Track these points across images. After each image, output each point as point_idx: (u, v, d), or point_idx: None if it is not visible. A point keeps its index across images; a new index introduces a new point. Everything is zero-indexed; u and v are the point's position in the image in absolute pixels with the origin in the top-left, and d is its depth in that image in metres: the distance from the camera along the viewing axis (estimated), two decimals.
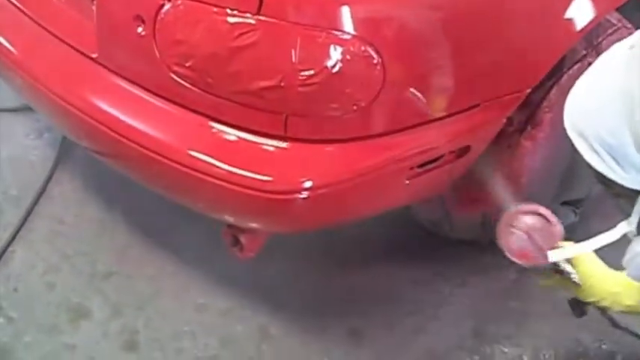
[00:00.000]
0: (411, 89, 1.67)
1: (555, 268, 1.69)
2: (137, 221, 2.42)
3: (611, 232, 1.57)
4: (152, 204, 2.32)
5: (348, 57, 1.56)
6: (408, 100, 1.68)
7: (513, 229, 1.68)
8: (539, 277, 1.78)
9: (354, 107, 1.62)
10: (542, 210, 1.68)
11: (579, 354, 2.13)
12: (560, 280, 1.72)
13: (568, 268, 1.69)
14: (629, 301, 1.68)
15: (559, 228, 1.67)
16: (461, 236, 2.22)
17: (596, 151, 1.35)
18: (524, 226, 1.67)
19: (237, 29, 1.57)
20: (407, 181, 1.79)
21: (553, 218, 1.67)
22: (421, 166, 1.79)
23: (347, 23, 1.55)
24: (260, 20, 1.55)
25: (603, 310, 1.81)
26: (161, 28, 1.67)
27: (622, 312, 1.74)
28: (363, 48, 1.56)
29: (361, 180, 1.71)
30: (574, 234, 2.33)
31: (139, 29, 1.71)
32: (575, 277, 1.69)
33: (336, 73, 1.56)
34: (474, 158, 1.89)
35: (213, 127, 1.72)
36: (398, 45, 1.62)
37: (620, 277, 1.67)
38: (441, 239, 2.28)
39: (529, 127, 1.95)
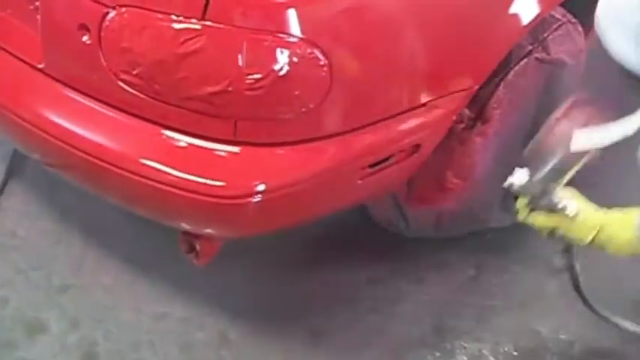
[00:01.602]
0: (359, 90, 1.68)
1: (551, 206, 1.69)
2: (92, 231, 2.39)
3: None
4: (107, 213, 2.31)
5: (294, 60, 1.56)
6: (357, 101, 1.69)
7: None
8: (535, 220, 1.75)
9: (303, 109, 1.62)
10: None
11: (538, 345, 2.16)
12: (555, 218, 1.70)
13: (564, 202, 1.68)
14: (623, 232, 1.67)
15: None
16: (417, 233, 2.24)
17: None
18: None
19: (182, 35, 1.56)
20: (359, 181, 1.79)
21: None
22: (373, 165, 1.79)
23: (293, 26, 1.55)
24: (205, 25, 1.55)
25: (577, 286, 1.92)
26: (106, 37, 1.66)
27: (617, 251, 1.71)
28: (309, 50, 1.56)
29: (314, 181, 1.72)
30: (529, 226, 2.38)
31: (85, 38, 1.69)
32: (570, 209, 1.68)
33: (284, 76, 1.56)
34: (426, 156, 1.91)
35: (163, 135, 1.71)
36: (344, 46, 1.63)
37: (613, 212, 1.69)
38: (397, 237, 2.29)
39: (479, 124, 1.97)
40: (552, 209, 1.69)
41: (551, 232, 1.75)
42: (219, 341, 2.11)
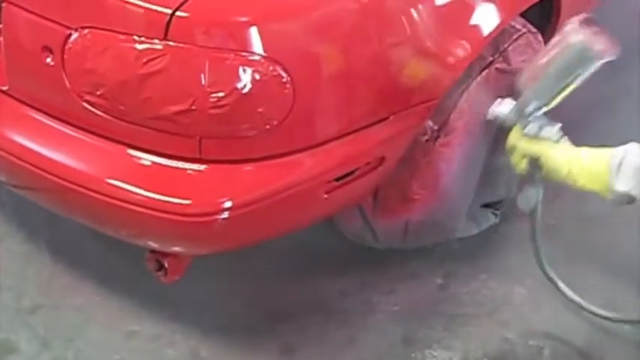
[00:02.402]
0: (322, 105, 1.70)
1: (538, 131, 1.87)
2: (62, 251, 2.39)
3: None
4: (76, 233, 2.30)
5: (257, 77, 1.57)
6: (320, 117, 1.71)
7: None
8: (522, 144, 1.91)
9: (267, 126, 1.63)
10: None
11: (508, 352, 2.17)
12: (540, 145, 1.87)
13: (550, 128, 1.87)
14: (596, 166, 1.80)
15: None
16: (385, 245, 2.25)
17: None
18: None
19: (145, 55, 1.57)
20: (325, 195, 1.81)
21: None
22: (338, 179, 1.81)
23: (254, 44, 1.57)
24: (167, 45, 1.56)
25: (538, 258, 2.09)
26: (70, 58, 1.66)
27: (587, 185, 1.84)
28: (271, 68, 1.58)
29: (280, 197, 1.73)
30: (495, 234, 2.41)
31: (48, 60, 1.70)
32: (555, 134, 1.87)
33: (246, 94, 1.58)
34: (391, 168, 1.93)
35: (129, 154, 1.73)
36: (306, 63, 1.65)
37: (589, 149, 1.83)
38: (366, 248, 2.31)
39: (442, 135, 1.99)
40: (538, 135, 1.86)
41: (533, 162, 1.88)
42: (191, 358, 2.10)
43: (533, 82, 1.88)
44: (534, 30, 2.18)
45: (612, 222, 2.49)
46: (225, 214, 1.69)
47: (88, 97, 1.68)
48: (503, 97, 2.07)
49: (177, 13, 1.55)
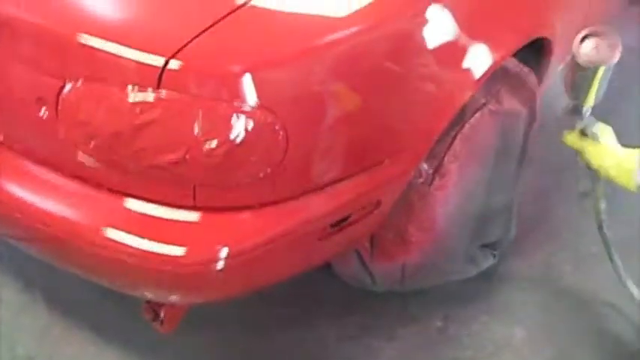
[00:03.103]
0: (316, 152, 1.70)
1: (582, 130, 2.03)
2: (57, 300, 2.37)
3: None
4: (71, 283, 2.27)
5: (250, 126, 1.57)
6: (314, 163, 1.71)
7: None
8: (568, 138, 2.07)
9: (261, 174, 1.63)
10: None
11: None
12: (584, 142, 2.03)
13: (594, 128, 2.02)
14: (627, 165, 1.96)
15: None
16: (384, 288, 2.24)
17: None
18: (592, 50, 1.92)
19: (138, 106, 1.57)
20: (321, 241, 1.80)
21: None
22: (334, 224, 1.80)
23: (246, 93, 1.57)
24: (161, 96, 1.56)
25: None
26: (64, 110, 1.66)
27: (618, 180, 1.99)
28: (264, 116, 1.58)
29: (275, 244, 1.72)
30: (494, 275, 2.40)
31: (42, 111, 1.69)
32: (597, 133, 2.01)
33: (240, 142, 1.58)
34: (386, 212, 1.92)
35: (124, 204, 1.72)
36: (299, 111, 1.64)
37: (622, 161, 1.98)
38: (364, 292, 2.29)
39: (437, 178, 1.99)
40: (584, 132, 2.02)
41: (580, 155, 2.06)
42: None
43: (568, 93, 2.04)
44: (526, 70, 2.19)
45: None
46: (221, 263, 1.68)
47: (82, 148, 1.67)
48: (497, 139, 2.07)
49: (170, 64, 1.55)
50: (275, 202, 1.71)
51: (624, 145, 2.03)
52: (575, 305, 2.38)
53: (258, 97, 1.57)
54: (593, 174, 2.10)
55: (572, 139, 2.06)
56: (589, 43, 1.92)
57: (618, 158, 1.99)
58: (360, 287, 2.27)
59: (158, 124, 1.57)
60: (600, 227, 2.23)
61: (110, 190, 1.72)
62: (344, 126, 1.72)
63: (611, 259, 2.26)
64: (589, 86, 1.96)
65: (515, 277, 2.43)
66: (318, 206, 1.75)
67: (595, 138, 2.01)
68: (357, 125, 1.74)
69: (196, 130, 1.56)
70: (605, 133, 2.03)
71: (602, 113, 2.78)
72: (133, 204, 1.71)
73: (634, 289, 2.27)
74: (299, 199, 1.72)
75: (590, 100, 2.00)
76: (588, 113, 2.03)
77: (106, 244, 1.69)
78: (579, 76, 1.96)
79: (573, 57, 1.95)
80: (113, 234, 1.69)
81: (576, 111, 2.03)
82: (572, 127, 2.06)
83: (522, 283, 2.42)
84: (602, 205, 2.19)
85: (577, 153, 2.08)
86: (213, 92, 1.57)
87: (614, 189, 2.08)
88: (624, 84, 3.28)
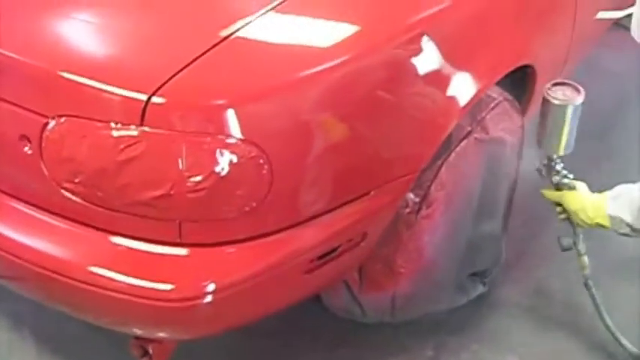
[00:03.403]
0: (301, 185, 1.70)
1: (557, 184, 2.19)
2: (46, 338, 2.35)
3: None
4: (59, 320, 2.25)
5: (234, 160, 1.57)
6: (300, 196, 1.71)
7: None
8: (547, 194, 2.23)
9: (247, 208, 1.63)
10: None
11: None
12: (560, 192, 2.19)
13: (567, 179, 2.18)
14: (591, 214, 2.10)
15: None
16: (373, 319, 2.23)
17: None
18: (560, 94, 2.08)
19: (121, 142, 1.57)
20: (308, 274, 1.80)
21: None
22: (320, 257, 1.80)
23: (230, 127, 1.57)
24: (144, 132, 1.56)
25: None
26: (47, 146, 1.66)
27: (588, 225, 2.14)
28: (248, 150, 1.58)
29: (263, 278, 1.72)
30: (484, 303, 2.39)
31: (26, 148, 1.69)
32: (571, 182, 2.17)
33: (224, 177, 1.57)
34: (373, 243, 1.92)
35: (109, 241, 1.71)
36: (283, 145, 1.65)
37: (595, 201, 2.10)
38: (354, 323, 2.28)
39: (424, 207, 1.99)
40: (560, 185, 2.18)
41: (559, 208, 2.22)
42: None
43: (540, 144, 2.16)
44: (511, 98, 2.19)
45: None
46: (209, 298, 1.67)
47: (66, 185, 1.67)
48: (483, 167, 2.08)
49: (153, 99, 1.55)
50: (261, 236, 1.70)
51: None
52: (567, 331, 2.37)
53: (242, 131, 1.58)
54: (574, 229, 2.22)
55: (550, 193, 2.22)
56: (557, 89, 2.10)
57: (592, 198, 2.12)
58: (350, 319, 2.25)
59: (142, 160, 1.57)
60: (586, 284, 2.28)
61: (96, 228, 1.72)
62: (330, 158, 1.73)
63: (601, 317, 2.27)
64: (560, 130, 2.09)
65: (506, 304, 2.42)
66: (305, 239, 1.75)
67: (571, 186, 2.17)
68: (343, 157, 1.75)
69: (180, 165, 1.56)
70: (578, 184, 2.17)
71: (590, 137, 2.81)
72: (119, 241, 1.71)
73: (627, 345, 2.25)
74: (285, 232, 1.72)
75: (561, 149, 2.13)
76: (561, 165, 2.18)
77: (93, 281, 1.68)
78: (550, 121, 2.09)
79: (544, 101, 2.09)
80: (100, 271, 1.68)
81: (550, 167, 2.18)
82: (549, 184, 2.21)
83: (512, 309, 2.41)
84: (586, 260, 2.26)
85: (556, 208, 2.22)
86: (196, 127, 1.58)
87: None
88: (609, 106, 3.33)
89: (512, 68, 2.15)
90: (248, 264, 1.70)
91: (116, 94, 1.58)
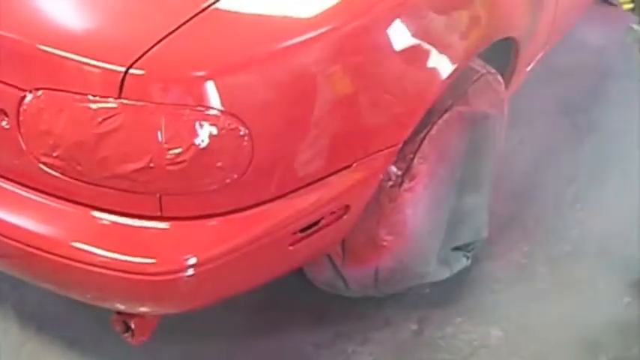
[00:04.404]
0: (283, 157, 1.69)
1: None
2: (30, 317, 2.33)
3: None
4: (43, 298, 2.26)
5: (214, 132, 1.56)
6: (280, 168, 1.70)
7: None
8: None
9: (227, 180, 1.62)
10: None
11: None
12: None
13: None
14: None
15: None
16: (357, 293, 2.23)
17: None
18: None
19: (100, 115, 1.56)
20: (291, 247, 1.79)
21: None
22: (303, 230, 1.79)
23: (210, 99, 1.56)
24: (122, 104, 1.55)
25: None
26: (25, 120, 1.64)
27: None
28: (228, 122, 1.57)
29: (245, 251, 1.71)
30: (468, 277, 2.39)
31: (3, 123, 1.67)
32: None
33: (204, 149, 1.56)
34: (356, 216, 1.91)
35: (91, 215, 1.70)
36: (264, 116, 1.63)
37: None
38: (338, 297, 2.28)
39: (407, 180, 1.98)
40: None
41: None
42: None
43: None
44: (493, 71, 2.19)
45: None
46: (191, 271, 1.66)
47: (44, 159, 1.65)
48: (466, 140, 2.07)
49: (131, 71, 1.54)
50: (243, 209, 1.69)
51: None
52: (551, 306, 2.38)
53: (222, 102, 1.56)
54: None
55: None
56: None
57: None
58: (334, 293, 2.25)
59: (120, 133, 1.56)
60: None
61: (77, 203, 1.70)
62: (311, 129, 1.71)
63: None
64: None
65: (489, 278, 2.43)
66: (287, 212, 1.74)
67: None
68: (324, 129, 1.73)
69: (160, 137, 1.55)
70: None
71: (572, 110, 2.82)
72: (100, 215, 1.69)
73: None
74: (267, 205, 1.71)
75: None
76: None
77: (74, 256, 1.67)
78: None
79: None
80: (81, 246, 1.67)
81: None
82: None
83: (496, 284, 2.42)
84: None
85: None
86: (175, 99, 1.56)
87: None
88: (592, 80, 3.33)
89: (494, 41, 2.14)
90: (229, 237, 1.69)
91: (94, 67, 1.56)
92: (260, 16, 1.73)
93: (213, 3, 1.67)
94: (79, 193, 1.69)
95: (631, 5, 2.13)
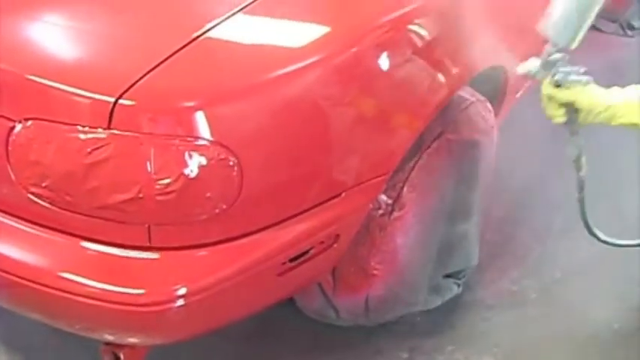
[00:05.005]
0: (272, 187, 1.68)
1: (567, 79, 1.91)
2: (17, 346, 2.32)
3: None
4: (33, 327, 2.23)
5: (203, 162, 1.56)
6: (270, 199, 1.69)
7: None
8: (556, 93, 1.93)
9: (217, 211, 1.61)
10: None
11: None
12: (572, 90, 1.91)
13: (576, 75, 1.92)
14: (630, 116, 1.92)
15: None
16: (348, 322, 2.22)
17: None
18: None
19: (89, 145, 1.55)
20: (281, 276, 1.78)
21: None
22: (293, 259, 1.78)
23: (200, 129, 1.56)
24: (112, 134, 1.55)
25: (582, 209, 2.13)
26: (14, 150, 1.64)
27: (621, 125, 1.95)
28: (217, 152, 1.57)
29: (235, 281, 1.70)
30: (459, 304, 2.39)
31: None
32: (583, 78, 1.92)
33: (194, 179, 1.56)
34: (346, 245, 1.91)
35: (80, 246, 1.69)
36: (253, 146, 1.63)
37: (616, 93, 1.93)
38: (329, 326, 2.26)
39: (397, 209, 1.98)
40: (567, 81, 1.90)
41: (569, 109, 1.94)
42: None
43: (550, 29, 1.91)
44: (482, 98, 2.20)
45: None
46: (181, 302, 1.65)
47: (33, 189, 1.64)
48: (456, 168, 2.08)
49: (120, 101, 1.54)
50: (232, 239, 1.69)
51: None
52: (542, 333, 2.37)
53: (211, 132, 1.56)
54: (574, 134, 2.03)
55: (557, 91, 1.93)
56: None
57: (619, 95, 1.93)
58: (325, 322, 2.24)
59: (109, 163, 1.55)
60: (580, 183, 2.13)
61: (66, 233, 1.70)
62: (301, 159, 1.72)
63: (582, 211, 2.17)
64: (582, 21, 1.87)
65: (480, 305, 2.42)
66: (277, 241, 1.73)
67: (584, 82, 1.92)
68: (314, 158, 1.74)
69: (149, 168, 1.55)
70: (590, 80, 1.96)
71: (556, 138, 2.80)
72: (90, 246, 1.68)
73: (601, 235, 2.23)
74: (257, 235, 1.71)
75: (576, 40, 1.89)
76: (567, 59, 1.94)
77: (64, 287, 1.66)
78: (572, 9, 1.86)
79: None
80: (71, 277, 1.66)
81: (551, 62, 1.91)
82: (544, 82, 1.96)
83: (487, 311, 2.41)
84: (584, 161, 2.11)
85: (554, 111, 1.96)
86: (164, 129, 1.56)
87: None
88: None
89: (483, 69, 2.15)
90: (219, 267, 1.69)
91: (83, 97, 1.56)
92: (250, 46, 1.74)
93: (204, 33, 1.68)
94: (68, 224, 1.68)
95: (564, 119, 1.97)
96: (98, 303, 1.64)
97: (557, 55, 1.90)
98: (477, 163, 2.19)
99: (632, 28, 2.71)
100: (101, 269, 1.67)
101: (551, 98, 1.93)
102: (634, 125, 1.92)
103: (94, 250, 1.68)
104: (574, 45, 1.90)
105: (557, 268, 2.59)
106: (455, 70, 2.04)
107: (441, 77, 1.98)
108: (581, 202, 2.13)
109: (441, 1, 2.00)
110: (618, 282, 2.52)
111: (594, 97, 1.92)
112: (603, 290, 2.49)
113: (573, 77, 1.91)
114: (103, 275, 1.66)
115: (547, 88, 1.93)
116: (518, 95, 2.72)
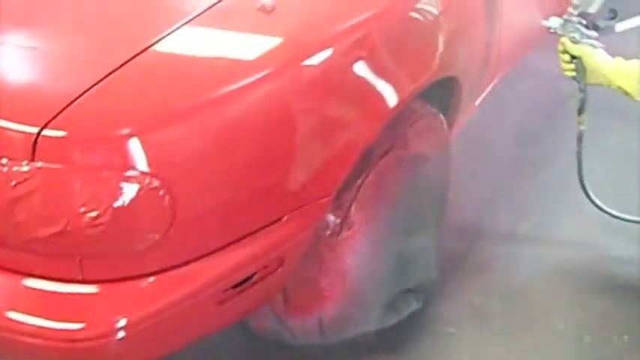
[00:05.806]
0: (207, 215, 1.64)
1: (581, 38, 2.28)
2: None
3: None
4: None
5: (132, 193, 1.51)
6: (205, 226, 1.65)
7: None
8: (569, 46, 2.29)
9: (149, 241, 1.57)
10: None
11: None
12: (583, 48, 2.26)
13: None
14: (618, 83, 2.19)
15: None
16: (304, 342, 2.16)
17: None
18: None
19: (13, 178, 1.50)
20: (223, 304, 1.73)
21: None
22: (236, 286, 1.74)
23: (130, 159, 1.51)
24: (36, 167, 1.50)
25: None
26: None
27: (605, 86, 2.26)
28: (147, 181, 1.52)
29: (175, 311, 1.66)
30: (419, 319, 2.34)
31: None
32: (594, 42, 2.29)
33: (122, 210, 1.51)
34: (292, 268, 1.86)
35: (16, 282, 1.65)
36: (186, 174, 1.59)
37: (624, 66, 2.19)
38: (285, 347, 2.21)
39: (345, 228, 1.93)
40: (581, 41, 2.26)
41: (577, 63, 2.29)
42: None
43: None
44: (434, 111, 2.15)
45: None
46: (121, 334, 1.61)
47: None
48: (406, 184, 2.03)
49: (44, 132, 1.49)
50: (170, 268, 1.64)
51: None
52: (506, 347, 2.33)
53: (138, 162, 1.52)
54: (581, 86, 2.34)
55: (571, 45, 2.27)
56: None
57: (620, 62, 2.20)
58: (280, 342, 2.19)
59: (35, 197, 1.51)
60: (579, 138, 2.46)
61: (10, 270, 1.65)
62: (238, 184, 1.67)
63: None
64: None
65: (441, 320, 2.38)
66: (217, 269, 1.69)
67: (595, 45, 2.26)
68: (252, 182, 1.69)
69: (75, 200, 1.50)
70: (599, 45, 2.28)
71: (528, 141, 2.79)
72: (31, 283, 1.64)
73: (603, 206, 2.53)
74: (195, 263, 1.66)
75: (596, 3, 2.38)
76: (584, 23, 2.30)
77: (7, 326, 1.63)
78: None
79: None
80: (13, 316, 1.63)
81: (571, 23, 2.28)
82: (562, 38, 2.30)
83: (449, 326, 2.37)
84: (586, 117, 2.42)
85: (566, 64, 2.30)
86: (91, 160, 1.52)
87: None
88: (545, 113, 3.31)
89: (433, 81, 2.10)
90: (158, 297, 1.64)
91: (6, 129, 1.51)
92: (191, 63, 1.70)
93: (143, 51, 1.64)
94: (5, 260, 1.64)
95: (573, 73, 2.30)
96: (39, 341, 1.61)
97: (576, 17, 2.27)
98: (428, 177, 2.15)
99: (597, 28, 2.68)
100: (42, 305, 1.64)
101: (564, 52, 2.28)
102: (626, 94, 2.17)
103: (35, 287, 1.64)
104: (592, 9, 2.30)
105: (522, 278, 2.55)
106: (403, 82, 1.98)
107: (388, 89, 1.92)
108: (579, 155, 2.45)
109: (392, 15, 1.95)
110: (587, 292, 2.48)
111: (599, 60, 2.23)
112: (571, 301, 2.45)
113: (585, 39, 2.26)
114: (42, 311, 1.62)
115: (564, 43, 2.29)
116: (477, 103, 2.67)
